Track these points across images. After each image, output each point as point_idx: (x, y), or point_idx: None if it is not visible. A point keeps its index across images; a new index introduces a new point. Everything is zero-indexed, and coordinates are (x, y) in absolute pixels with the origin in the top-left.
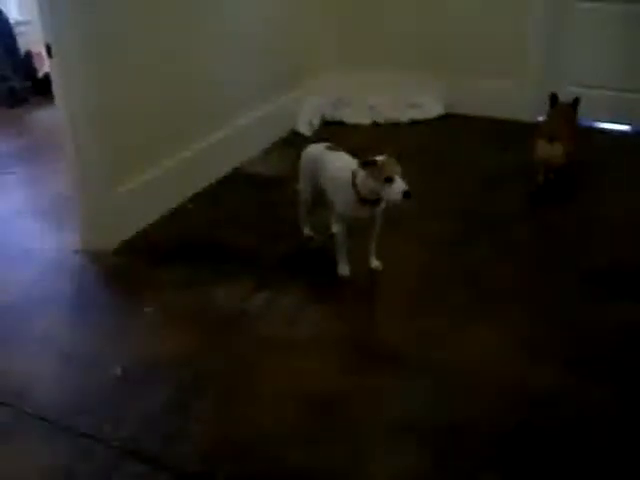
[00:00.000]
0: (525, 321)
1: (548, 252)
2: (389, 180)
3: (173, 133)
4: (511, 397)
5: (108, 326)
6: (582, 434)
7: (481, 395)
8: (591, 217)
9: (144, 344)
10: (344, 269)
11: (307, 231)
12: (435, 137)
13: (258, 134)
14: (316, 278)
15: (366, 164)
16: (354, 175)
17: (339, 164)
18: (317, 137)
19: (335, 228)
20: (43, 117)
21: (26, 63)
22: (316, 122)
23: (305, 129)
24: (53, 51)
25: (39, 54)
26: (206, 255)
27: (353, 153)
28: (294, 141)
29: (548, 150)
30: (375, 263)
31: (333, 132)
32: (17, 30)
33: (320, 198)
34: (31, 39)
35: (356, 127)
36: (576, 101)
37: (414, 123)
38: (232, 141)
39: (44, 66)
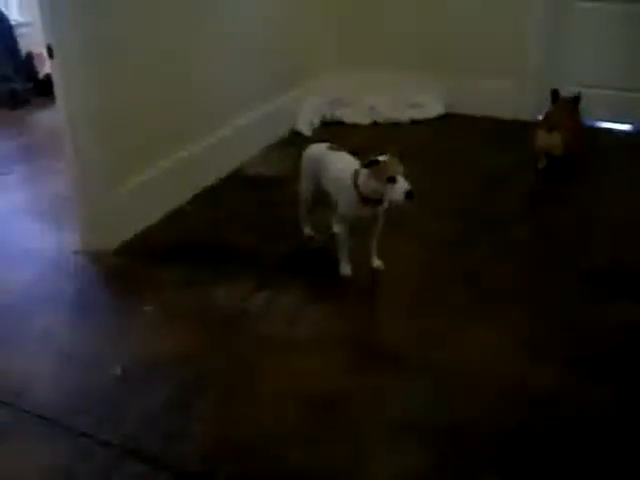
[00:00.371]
0: (525, 321)
1: (548, 252)
2: (392, 180)
3: (173, 133)
4: (511, 397)
5: (108, 326)
6: (582, 434)
7: (481, 395)
8: (591, 217)
9: (144, 343)
10: (346, 269)
11: (308, 231)
12: (435, 137)
13: (258, 134)
14: (316, 278)
15: (369, 164)
16: (356, 175)
17: (341, 164)
18: (318, 137)
19: (337, 228)
20: (44, 118)
21: (27, 64)
22: (316, 122)
23: (305, 129)
24: (54, 52)
25: (40, 55)
26: (206, 255)
27: (354, 153)
28: (294, 141)
29: (547, 139)
30: (377, 263)
31: (333, 132)
32: (18, 31)
33: (321, 198)
34: (32, 40)
35: (356, 127)
36: (577, 97)
37: (414, 123)
38: (232, 141)
39: (45, 67)
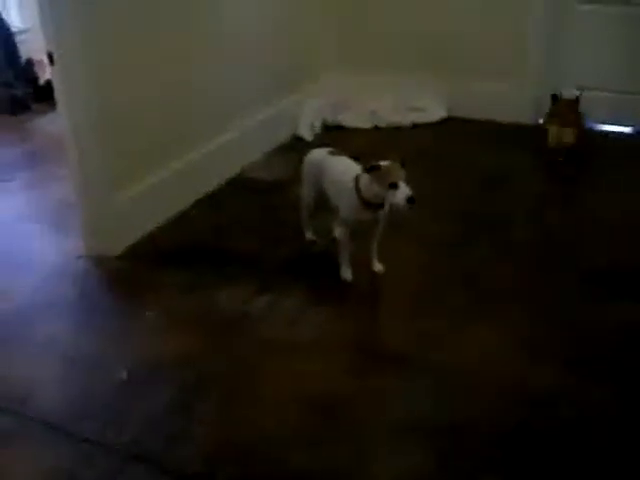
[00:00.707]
0: (525, 321)
1: (548, 252)
2: (394, 186)
3: (174, 138)
4: (511, 397)
5: (111, 330)
6: (582, 434)
7: (481, 395)
8: (591, 217)
9: (147, 346)
10: (347, 273)
11: (309, 235)
12: (435, 140)
13: (259, 138)
14: (318, 281)
15: (371, 169)
16: (357, 180)
17: (342, 169)
18: (319, 142)
19: (338, 232)
20: (45, 124)
21: (27, 70)
22: (317, 125)
23: (306, 133)
24: (55, 59)
25: (40, 61)
26: (208, 259)
27: (355, 157)
28: (295, 145)
29: (561, 135)
30: (378, 266)
31: (334, 137)
32: (18, 38)
33: (323, 202)
34: (32, 47)
35: (357, 131)
36: (578, 97)
37: (415, 127)
38: (234, 145)
39: (45, 73)
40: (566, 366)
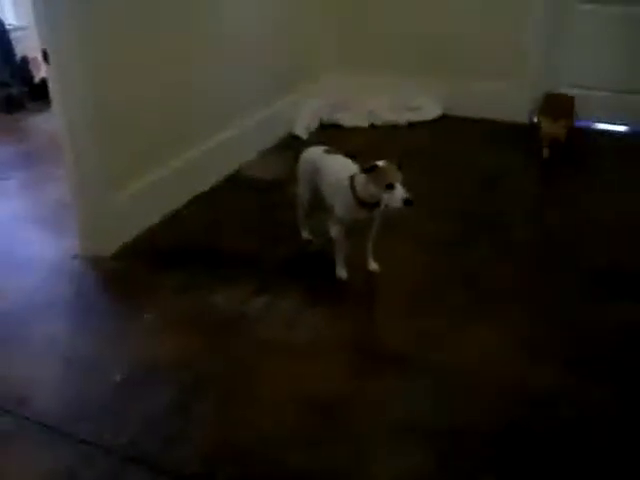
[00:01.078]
0: (525, 321)
1: (548, 252)
2: (390, 187)
3: (171, 137)
4: (511, 397)
5: (108, 330)
6: (582, 434)
7: (481, 395)
8: (590, 217)
9: (144, 347)
10: (342, 272)
11: (306, 234)
12: (432, 139)
13: (256, 137)
14: (315, 281)
15: (367, 169)
16: (352, 179)
17: (337, 167)
18: (315, 140)
19: (333, 231)
20: (40, 123)
21: (23, 69)
22: (313, 126)
23: (302, 132)
24: (50, 57)
25: (35, 59)
26: (205, 259)
27: (351, 156)
28: (292, 144)
29: (553, 127)
30: (373, 266)
31: (331, 135)
32: (13, 35)
33: (319, 201)
34: (27, 45)
35: (353, 130)
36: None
37: (412, 125)
38: (230, 144)
39: (40, 71)
40: (566, 366)
